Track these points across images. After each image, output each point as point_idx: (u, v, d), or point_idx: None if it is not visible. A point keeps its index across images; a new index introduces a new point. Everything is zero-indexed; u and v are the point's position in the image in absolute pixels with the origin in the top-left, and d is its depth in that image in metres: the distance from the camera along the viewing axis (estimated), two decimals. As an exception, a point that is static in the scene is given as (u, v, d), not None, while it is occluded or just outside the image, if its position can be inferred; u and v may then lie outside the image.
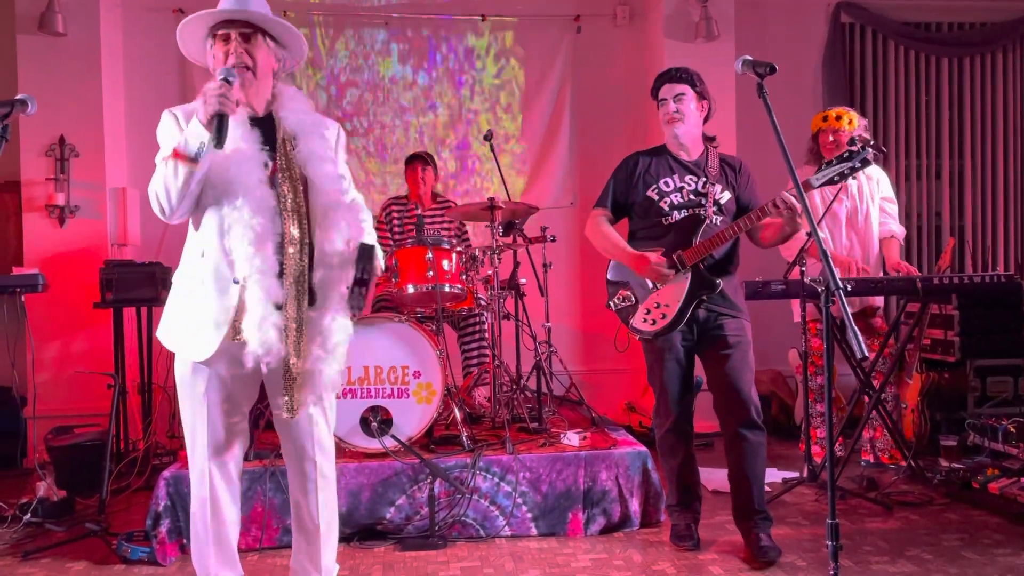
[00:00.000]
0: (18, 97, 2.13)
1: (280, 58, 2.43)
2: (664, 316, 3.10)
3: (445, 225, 4.84)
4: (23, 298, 3.93)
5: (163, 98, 5.43)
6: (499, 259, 4.02)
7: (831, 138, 4.22)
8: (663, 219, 3.15)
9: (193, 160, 2.16)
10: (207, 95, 2.15)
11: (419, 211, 4.77)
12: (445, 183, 5.70)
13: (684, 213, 3.13)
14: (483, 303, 4.24)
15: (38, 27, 4.90)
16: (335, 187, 2.38)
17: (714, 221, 3.11)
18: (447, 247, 3.90)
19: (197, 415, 2.38)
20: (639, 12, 5.85)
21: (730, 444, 3.12)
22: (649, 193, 3.18)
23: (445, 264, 3.86)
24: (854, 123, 4.22)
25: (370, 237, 2.42)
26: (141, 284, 4.57)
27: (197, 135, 2.15)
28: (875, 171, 4.38)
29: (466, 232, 5.03)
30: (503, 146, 5.70)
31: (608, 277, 3.32)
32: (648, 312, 3.15)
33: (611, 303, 3.29)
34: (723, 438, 3.17)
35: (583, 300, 5.86)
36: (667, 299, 3.11)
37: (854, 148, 2.89)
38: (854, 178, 4.24)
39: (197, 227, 2.33)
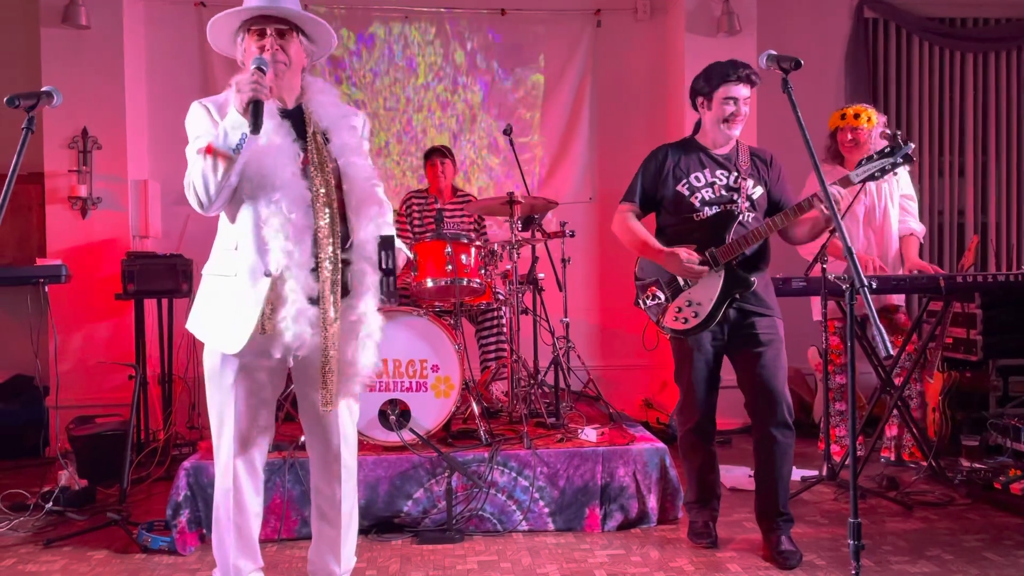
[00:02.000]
0: (44, 89, 2.15)
1: (309, 53, 2.46)
2: (696, 315, 3.05)
3: (464, 219, 4.85)
4: (46, 289, 3.96)
5: (185, 91, 5.45)
6: (518, 254, 4.01)
7: (849, 136, 4.18)
8: (694, 215, 3.07)
9: (235, 152, 2.18)
10: (241, 84, 2.18)
11: (439, 205, 4.78)
12: (466, 177, 5.70)
13: (716, 209, 3.05)
14: (501, 298, 4.24)
15: (62, 20, 4.94)
16: (368, 180, 2.40)
17: (746, 217, 3.04)
18: (466, 241, 3.90)
19: (224, 406, 2.40)
20: (660, 6, 5.81)
21: (760, 444, 3.07)
22: (679, 188, 3.10)
23: (464, 258, 3.86)
24: (873, 120, 4.17)
25: (389, 229, 2.43)
26: (162, 276, 4.61)
27: (237, 127, 2.17)
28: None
29: (484, 227, 5.03)
30: (522, 141, 5.69)
31: (636, 274, 3.26)
32: (679, 310, 3.09)
33: (640, 301, 3.22)
34: (752, 436, 3.13)
35: (601, 295, 5.85)
36: (699, 297, 3.05)
37: (895, 144, 2.82)
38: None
39: (233, 220, 2.34)
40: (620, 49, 5.83)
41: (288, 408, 3.60)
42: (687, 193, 3.09)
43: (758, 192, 3.09)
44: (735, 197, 3.05)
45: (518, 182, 4.88)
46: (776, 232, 3.01)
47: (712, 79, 3.07)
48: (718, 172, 3.10)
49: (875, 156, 2.85)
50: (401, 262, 2.44)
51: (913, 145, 2.83)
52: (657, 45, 5.82)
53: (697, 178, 3.10)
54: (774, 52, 2.43)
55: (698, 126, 3.22)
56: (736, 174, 3.09)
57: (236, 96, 2.18)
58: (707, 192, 3.08)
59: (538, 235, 4.25)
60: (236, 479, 2.44)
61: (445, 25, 5.73)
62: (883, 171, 2.83)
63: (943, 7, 6.08)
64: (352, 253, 2.36)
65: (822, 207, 2.84)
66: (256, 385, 2.40)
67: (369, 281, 2.38)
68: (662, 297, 3.15)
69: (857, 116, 4.17)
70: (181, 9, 5.44)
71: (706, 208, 3.06)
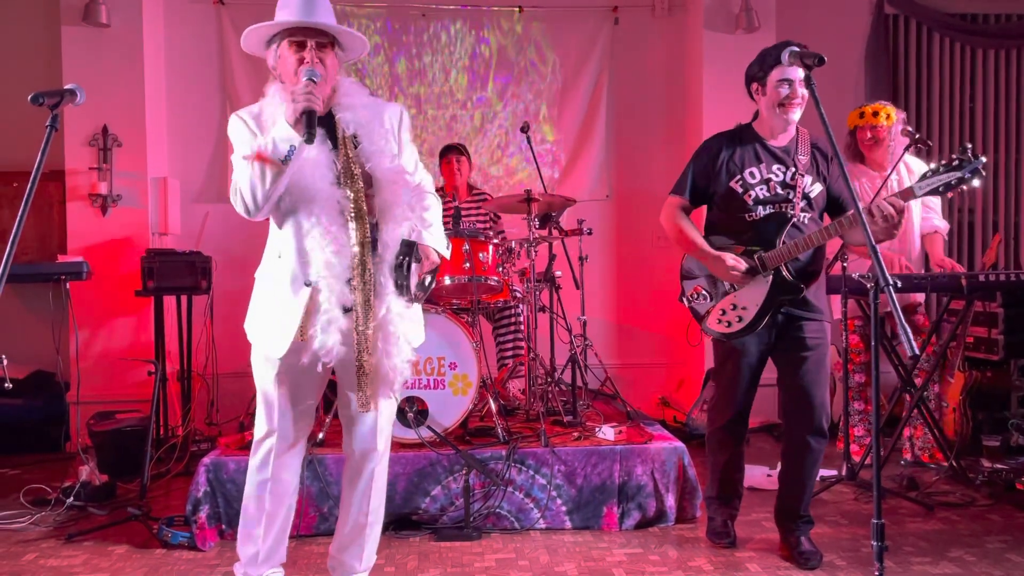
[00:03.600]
0: (67, 87, 2.16)
1: (342, 60, 2.50)
2: (740, 319, 2.95)
3: (481, 217, 4.85)
4: (67, 285, 3.99)
5: (203, 88, 5.51)
6: (535, 252, 4.01)
7: (869, 134, 4.13)
8: (746, 215, 2.94)
9: (284, 162, 2.22)
10: (296, 94, 2.23)
11: (456, 203, 4.78)
12: (483, 175, 5.70)
13: (769, 209, 2.92)
14: (519, 295, 4.23)
15: (82, 18, 4.97)
16: (397, 181, 2.41)
17: (801, 219, 2.91)
18: (484, 239, 3.90)
19: (267, 402, 2.47)
20: (678, 3, 5.78)
21: (793, 448, 3.02)
22: (732, 184, 2.96)
23: (482, 256, 3.86)
24: (892, 118, 4.13)
25: (429, 230, 2.46)
26: (182, 273, 4.64)
27: (287, 138, 2.22)
28: (916, 164, 4.28)
29: (500, 224, 5.03)
30: (538, 138, 5.68)
31: (683, 271, 3.16)
32: (724, 313, 2.99)
33: (684, 298, 3.13)
34: (784, 438, 3.09)
35: (618, 294, 5.83)
36: (745, 301, 2.94)
37: (965, 157, 2.62)
38: (911, 173, 4.15)
39: (280, 226, 2.39)
40: (638, 46, 5.80)
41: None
42: (740, 191, 2.95)
43: (816, 190, 2.95)
44: (791, 195, 2.91)
45: (535, 180, 4.87)
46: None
47: (766, 62, 2.92)
48: (775, 167, 2.95)
49: (941, 169, 2.64)
50: (428, 265, 2.44)
51: (984, 160, 2.62)
52: (675, 42, 5.79)
53: (752, 174, 2.95)
54: (797, 48, 2.41)
55: (756, 115, 3.06)
56: (794, 170, 2.94)
57: (290, 106, 2.22)
58: (761, 190, 2.94)
59: (555, 233, 4.25)
60: (274, 472, 2.49)
61: (463, 22, 5.73)
62: (948, 187, 2.63)
63: (964, 3, 6.02)
64: (380, 255, 2.38)
65: (877, 219, 2.67)
66: (296, 384, 2.47)
67: (391, 285, 2.39)
68: (707, 297, 3.05)
69: (876, 114, 4.13)
70: (200, 7, 5.47)
71: (759, 207, 2.93)
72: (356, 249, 2.34)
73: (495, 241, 3.97)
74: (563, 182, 5.75)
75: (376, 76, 5.68)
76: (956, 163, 2.63)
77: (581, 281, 4.39)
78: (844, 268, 3.69)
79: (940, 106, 6.03)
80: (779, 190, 2.93)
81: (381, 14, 5.67)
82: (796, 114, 2.93)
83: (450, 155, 4.90)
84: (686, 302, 3.13)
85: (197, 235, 5.38)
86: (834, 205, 3.00)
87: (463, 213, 4.67)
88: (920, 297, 4.43)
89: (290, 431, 2.49)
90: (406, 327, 2.43)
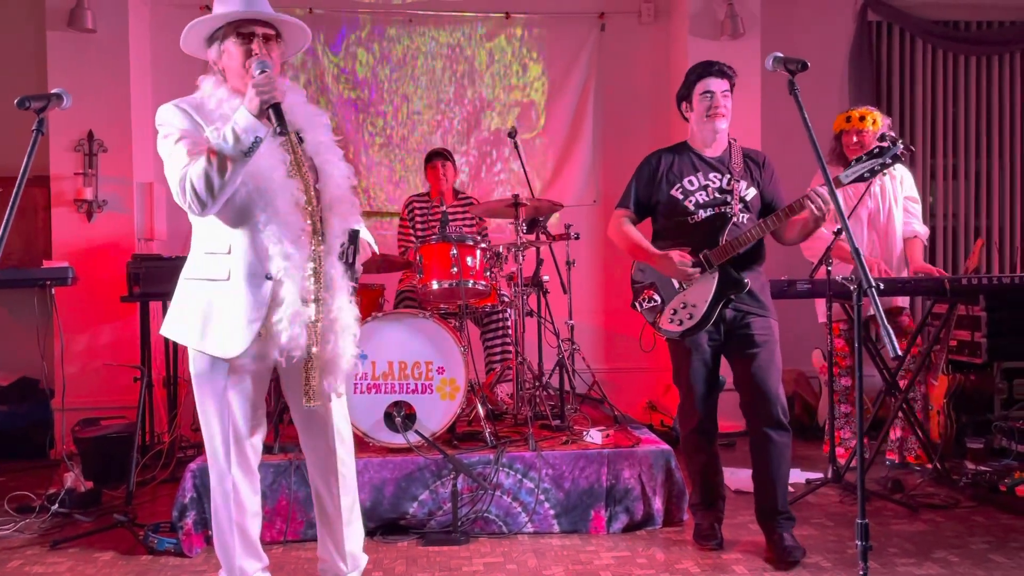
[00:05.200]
0: (54, 91, 2.16)
1: (284, 54, 2.48)
2: (691, 316, 3.08)
3: (468, 221, 4.85)
4: (53, 291, 3.97)
5: (189, 94, 5.46)
6: (523, 256, 4.02)
7: (855, 139, 4.17)
8: (688, 218, 3.12)
9: (247, 154, 2.18)
10: (260, 87, 2.17)
11: (443, 207, 4.78)
12: (471, 179, 5.71)
13: (710, 211, 3.09)
14: (506, 300, 4.24)
15: (68, 24, 4.95)
16: (344, 177, 2.44)
17: (740, 219, 3.08)
18: (471, 244, 3.91)
19: (217, 409, 2.40)
20: (664, 10, 5.82)
21: (756, 444, 3.10)
22: (673, 192, 3.15)
23: (469, 260, 3.86)
24: (878, 123, 4.17)
25: (358, 223, 2.49)
26: (168, 278, 4.51)
27: (250, 128, 2.16)
28: (899, 170, 4.33)
29: (486, 229, 5.04)
30: (525, 143, 5.70)
31: (633, 277, 3.31)
32: (675, 312, 3.12)
33: (636, 304, 3.26)
34: (748, 437, 3.15)
35: (606, 298, 5.85)
36: (694, 299, 3.08)
37: (884, 144, 2.85)
38: (885, 174, 4.21)
39: (228, 223, 2.33)
40: (624, 52, 5.84)
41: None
42: (681, 197, 3.13)
43: (751, 193, 3.12)
44: (728, 199, 3.08)
45: (523, 184, 4.88)
46: (769, 233, 3.04)
47: (688, 79, 3.17)
48: (711, 175, 3.14)
49: (864, 157, 2.87)
50: (365, 255, 2.49)
51: (902, 145, 2.84)
52: (661, 48, 5.83)
53: (691, 181, 3.13)
54: (780, 54, 2.44)
55: (691, 133, 3.26)
56: (729, 176, 3.12)
57: (254, 99, 2.17)
58: (701, 195, 3.11)
59: (543, 237, 4.26)
60: (233, 480, 2.44)
61: (449, 28, 5.74)
62: (872, 172, 2.85)
63: (946, 10, 6.09)
64: (325, 249, 2.38)
65: (812, 207, 2.85)
66: (246, 386, 2.41)
67: (341, 277, 2.41)
68: (658, 299, 3.18)
69: (863, 119, 4.17)
70: (186, 13, 5.41)
71: (700, 211, 3.10)
72: (310, 241, 2.33)
73: (483, 246, 3.97)
74: (550, 187, 5.77)
75: (359, 79, 5.68)
76: (877, 151, 2.85)
77: (568, 285, 4.40)
78: (828, 272, 3.72)
79: (923, 112, 6.09)
80: (717, 194, 3.11)
81: (367, 19, 5.67)
82: (722, 124, 3.12)
83: (435, 160, 4.90)
84: (639, 307, 3.25)
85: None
86: (768, 209, 3.14)
87: (449, 218, 4.67)
88: (904, 300, 4.47)
89: (242, 436, 2.42)
90: (350, 321, 2.44)
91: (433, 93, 5.75)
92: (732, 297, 3.06)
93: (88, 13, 4.95)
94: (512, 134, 4.55)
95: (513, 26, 5.76)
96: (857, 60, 5.94)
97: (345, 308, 2.42)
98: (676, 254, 3.06)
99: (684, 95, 3.20)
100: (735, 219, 3.06)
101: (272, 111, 2.18)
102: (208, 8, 5.35)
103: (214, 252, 2.36)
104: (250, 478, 2.49)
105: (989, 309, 4.61)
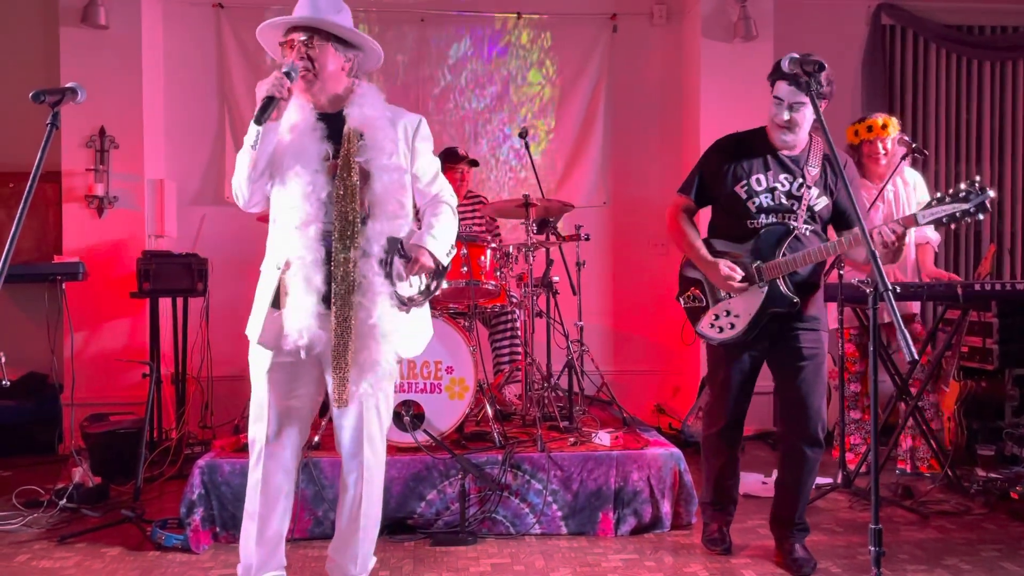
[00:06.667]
0: (68, 85, 2.16)
1: (350, 58, 2.48)
2: (732, 326, 2.93)
3: (478, 221, 4.84)
4: (63, 286, 3.98)
5: (201, 91, 5.50)
6: (533, 256, 4.01)
7: (880, 148, 4.08)
8: (748, 221, 2.91)
9: (252, 148, 2.34)
10: (264, 83, 2.31)
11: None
12: (483, 180, 5.70)
13: (772, 218, 2.89)
14: (516, 300, 4.23)
15: (81, 20, 4.96)
16: (391, 179, 2.43)
17: (804, 231, 2.88)
18: (482, 243, 3.90)
19: (258, 395, 2.48)
20: (676, 11, 5.80)
21: (788, 456, 3.02)
22: (737, 190, 2.92)
23: (480, 260, 3.85)
24: (895, 129, 4.14)
25: (431, 233, 2.49)
26: (178, 275, 4.62)
27: (252, 129, 2.34)
28: (912, 175, 4.30)
29: (497, 228, 5.02)
30: (536, 144, 5.69)
31: (681, 270, 3.14)
32: (716, 318, 2.98)
33: (680, 298, 3.12)
34: (779, 446, 3.09)
35: (615, 300, 5.83)
36: (738, 309, 2.93)
37: (972, 189, 2.57)
38: (898, 179, 4.16)
39: (271, 214, 2.48)
40: (636, 54, 5.82)
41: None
42: (744, 196, 2.92)
43: (821, 203, 2.92)
44: (795, 207, 2.88)
45: (533, 185, 4.87)
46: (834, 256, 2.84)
47: (772, 72, 2.89)
48: (782, 176, 2.92)
49: (947, 199, 2.60)
50: (417, 266, 2.43)
51: (993, 194, 2.57)
52: (673, 50, 5.81)
53: (758, 180, 2.92)
54: (797, 55, 2.40)
55: None
56: (801, 180, 2.90)
57: (258, 94, 2.31)
58: (766, 198, 2.91)
59: (553, 238, 4.25)
60: (265, 471, 2.47)
61: (461, 27, 5.74)
62: (952, 218, 2.59)
63: (961, 15, 6.05)
64: (361, 251, 2.38)
65: (884, 242, 2.68)
66: (288, 379, 2.46)
67: (379, 281, 2.39)
68: (703, 300, 3.04)
69: (885, 127, 4.08)
70: (199, 10, 5.47)
71: (762, 215, 2.90)
72: (340, 238, 2.35)
73: (493, 245, 3.96)
74: (561, 187, 5.75)
75: (372, 79, 5.67)
76: (963, 195, 2.60)
77: (578, 287, 4.39)
78: (841, 276, 3.70)
79: (936, 116, 6.05)
80: (784, 200, 2.91)
81: (379, 18, 5.67)
82: (786, 136, 2.88)
83: (460, 164, 4.81)
84: (682, 302, 3.13)
85: (194, 237, 5.36)
86: (839, 219, 2.98)
87: (460, 218, 4.65)
88: (916, 307, 4.44)
89: (277, 427, 2.46)
90: (395, 333, 2.43)
91: (444, 92, 5.75)
92: (779, 312, 2.89)
93: (101, 9, 4.96)
94: (523, 134, 4.54)
95: (525, 26, 5.75)
96: (870, 64, 5.91)
97: (387, 315, 2.40)
98: (725, 265, 2.89)
99: (771, 83, 2.91)
100: (797, 231, 2.87)
101: (262, 103, 2.29)
102: (220, 5, 5.41)
103: (268, 245, 2.51)
104: (284, 474, 2.50)
105: (1001, 315, 4.57)
